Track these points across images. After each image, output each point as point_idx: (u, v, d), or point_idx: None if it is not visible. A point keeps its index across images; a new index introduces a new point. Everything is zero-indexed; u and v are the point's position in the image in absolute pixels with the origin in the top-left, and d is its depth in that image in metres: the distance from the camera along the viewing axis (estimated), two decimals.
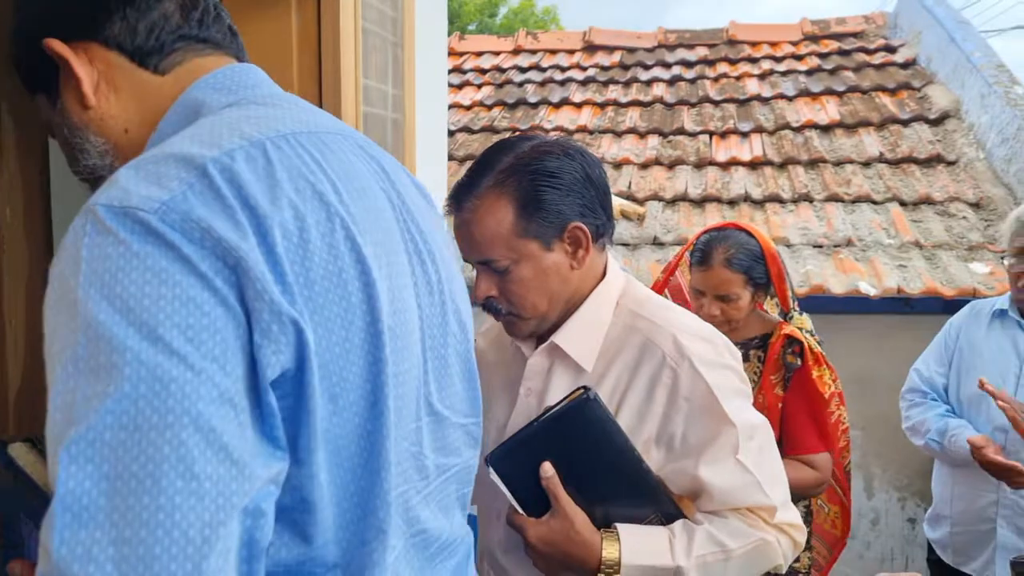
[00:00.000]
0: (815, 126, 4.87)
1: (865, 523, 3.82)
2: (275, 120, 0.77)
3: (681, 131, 5.01)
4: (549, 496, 1.17)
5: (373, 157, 0.86)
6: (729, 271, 1.94)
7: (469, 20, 15.21)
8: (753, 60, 5.77)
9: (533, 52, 6.21)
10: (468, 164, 1.27)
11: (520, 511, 1.20)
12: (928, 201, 4.17)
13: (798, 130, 4.87)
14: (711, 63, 5.82)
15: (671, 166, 4.76)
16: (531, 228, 1.18)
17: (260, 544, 0.65)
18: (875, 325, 3.69)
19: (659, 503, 1.20)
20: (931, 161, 4.47)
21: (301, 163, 0.73)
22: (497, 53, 6.26)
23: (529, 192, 1.17)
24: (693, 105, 5.30)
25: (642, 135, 5.04)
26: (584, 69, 5.86)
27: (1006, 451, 2.25)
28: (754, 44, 5.94)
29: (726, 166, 4.67)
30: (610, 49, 6.11)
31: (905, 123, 4.79)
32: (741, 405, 1.22)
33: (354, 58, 1.56)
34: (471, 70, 6.00)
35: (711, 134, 4.97)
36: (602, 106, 5.40)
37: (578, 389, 1.18)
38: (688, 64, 5.83)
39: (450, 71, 5.70)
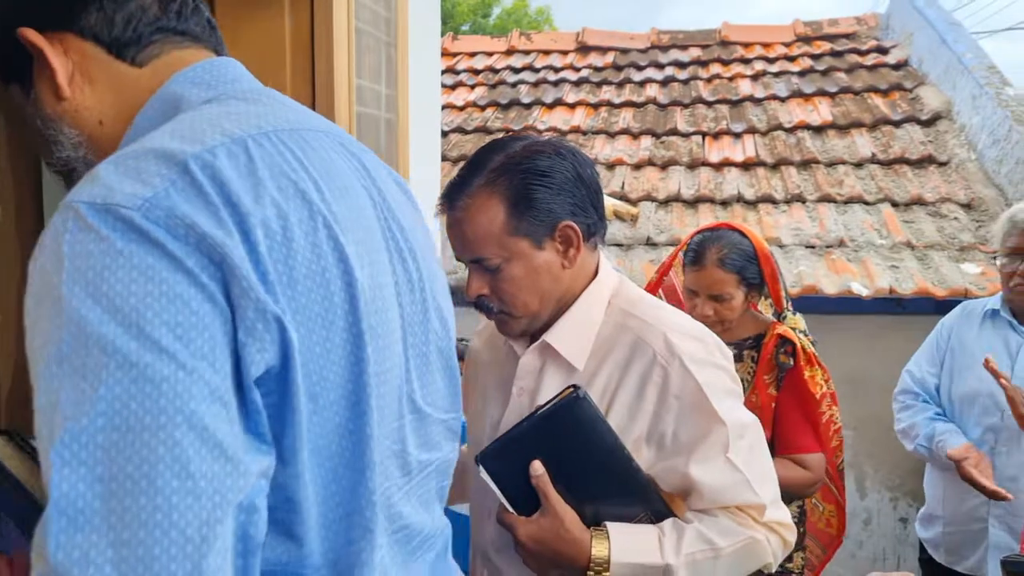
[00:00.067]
0: (807, 127, 4.89)
1: (857, 523, 3.83)
2: (256, 117, 0.76)
3: (674, 132, 5.02)
4: (539, 494, 1.17)
5: (354, 154, 0.85)
6: (722, 271, 1.94)
7: (462, 20, 15.21)
8: (746, 61, 5.79)
9: (526, 53, 6.22)
10: (461, 164, 1.27)
11: (510, 510, 1.20)
12: (920, 202, 4.19)
13: (791, 131, 4.89)
14: (704, 64, 5.84)
15: (664, 167, 4.77)
16: (522, 226, 1.18)
17: (255, 539, 0.65)
18: (867, 325, 3.70)
19: (649, 502, 1.20)
20: (923, 162, 4.49)
21: (283, 161, 0.73)
22: (490, 54, 6.26)
23: (520, 191, 1.18)
24: (686, 106, 5.32)
25: (635, 136, 5.05)
26: (577, 70, 5.87)
27: (996, 450, 2.26)
28: (747, 45, 5.96)
29: (719, 167, 4.68)
30: (603, 50, 6.12)
31: (897, 124, 4.81)
32: (731, 404, 1.22)
33: (347, 58, 1.56)
34: (464, 70, 6.00)
35: (704, 135, 4.98)
36: (595, 107, 5.41)
37: (568, 388, 1.18)
38: (681, 65, 5.84)
39: (443, 71, 5.70)
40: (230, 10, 1.50)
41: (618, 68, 5.85)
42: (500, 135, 4.92)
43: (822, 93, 5.22)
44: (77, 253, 0.61)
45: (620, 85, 5.64)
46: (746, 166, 4.65)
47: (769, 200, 4.33)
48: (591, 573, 1.16)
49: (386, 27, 1.84)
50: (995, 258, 2.39)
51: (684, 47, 6.06)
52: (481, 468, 1.19)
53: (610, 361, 1.24)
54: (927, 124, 4.78)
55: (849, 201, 4.25)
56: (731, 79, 5.55)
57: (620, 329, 1.25)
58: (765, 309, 2.13)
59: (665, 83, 5.62)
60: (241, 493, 0.63)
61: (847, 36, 5.89)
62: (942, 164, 4.48)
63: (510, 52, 6.24)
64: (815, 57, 5.67)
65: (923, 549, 2.56)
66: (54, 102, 0.82)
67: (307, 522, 0.72)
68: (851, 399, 3.17)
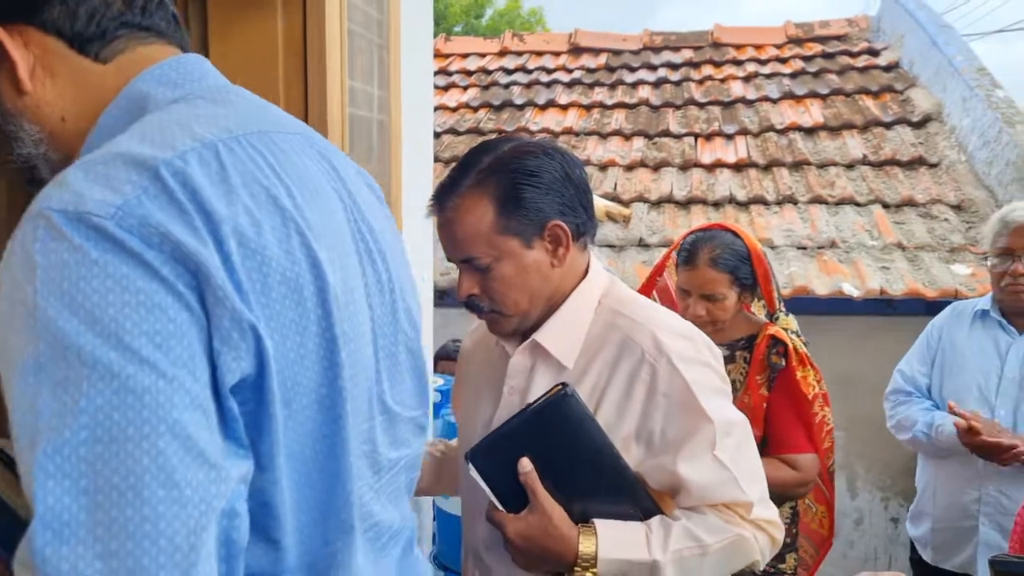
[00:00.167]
0: (799, 128, 4.91)
1: (848, 523, 3.85)
2: (225, 119, 0.75)
3: (666, 133, 5.03)
4: (527, 491, 1.18)
5: (324, 156, 0.85)
6: (715, 271, 1.95)
7: (455, 22, 15.21)
8: (738, 63, 5.81)
9: (519, 54, 6.22)
10: (454, 166, 1.28)
11: (499, 507, 1.21)
12: (911, 203, 4.21)
13: (782, 132, 4.90)
14: (696, 65, 5.85)
15: (656, 168, 4.78)
16: (511, 226, 1.19)
17: (238, 544, 0.66)
18: (858, 326, 3.72)
19: (637, 499, 1.21)
20: (913, 163, 4.52)
21: (255, 166, 0.72)
22: (483, 55, 6.26)
23: (509, 190, 1.19)
24: (678, 107, 5.33)
25: (627, 137, 5.06)
26: (570, 71, 5.88)
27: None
28: (739, 47, 5.98)
29: (711, 168, 4.70)
30: (596, 51, 6.13)
31: (888, 126, 4.83)
32: (720, 402, 1.23)
33: (340, 60, 1.56)
34: (457, 72, 6.00)
35: (696, 136, 5.00)
36: (588, 108, 5.42)
37: (557, 386, 1.19)
38: (673, 66, 5.86)
39: (436, 73, 5.70)
40: (222, 12, 1.50)
41: (610, 69, 5.86)
42: (493, 136, 4.93)
43: (813, 95, 5.24)
44: (51, 263, 0.61)
45: (612, 86, 5.65)
46: (738, 167, 4.67)
47: (761, 201, 4.35)
48: (579, 569, 1.17)
49: (378, 29, 1.84)
50: (986, 258, 2.40)
51: (676, 49, 6.08)
52: (470, 465, 1.19)
53: (599, 360, 1.24)
54: (918, 126, 4.81)
55: (840, 202, 4.27)
56: (723, 81, 5.57)
57: (609, 328, 1.26)
58: (758, 310, 2.14)
59: (657, 84, 5.63)
60: (223, 499, 0.63)
61: (838, 38, 5.92)
62: (933, 166, 4.50)
63: (503, 53, 6.25)
64: (806, 59, 5.70)
65: (914, 549, 2.57)
66: (14, 97, 0.80)
67: (284, 526, 0.72)
68: (842, 399, 3.18)
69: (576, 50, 6.17)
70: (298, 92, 1.51)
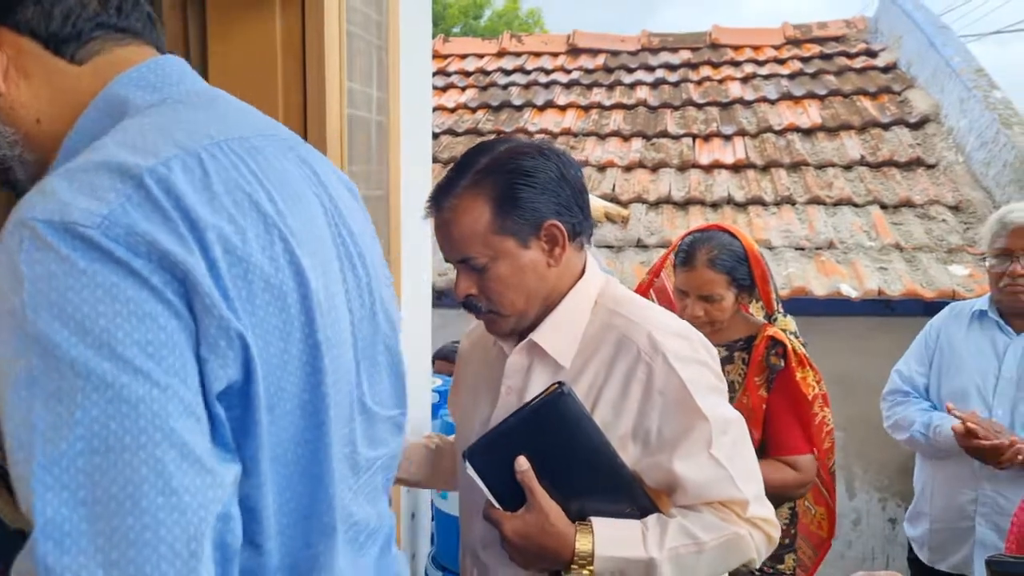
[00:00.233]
0: (797, 129, 4.91)
1: (846, 523, 3.85)
2: (206, 125, 0.75)
3: (664, 134, 5.04)
4: (524, 490, 1.19)
5: (304, 160, 0.85)
6: (712, 271, 1.95)
7: (453, 22, 15.21)
8: (736, 64, 5.81)
9: (517, 55, 6.23)
10: (451, 167, 1.29)
11: (497, 506, 1.22)
12: (908, 204, 4.22)
13: (780, 133, 4.91)
14: (694, 66, 5.86)
15: (654, 169, 4.78)
16: (507, 226, 1.20)
17: (232, 547, 0.67)
18: (856, 326, 3.73)
19: (634, 498, 1.22)
20: (911, 164, 4.52)
21: (237, 173, 0.72)
22: (481, 55, 6.27)
23: (505, 191, 1.20)
24: (676, 108, 5.33)
25: (626, 138, 5.06)
26: (568, 72, 5.88)
27: None
28: (736, 48, 5.99)
29: (709, 169, 4.70)
30: (594, 52, 6.14)
31: (886, 127, 4.84)
32: (715, 401, 1.24)
33: (339, 61, 1.56)
34: (455, 72, 6.00)
35: (694, 137, 5.00)
36: (586, 109, 5.42)
37: (554, 384, 1.20)
38: (671, 67, 5.86)
39: (434, 73, 5.70)
40: (221, 13, 1.50)
41: (608, 70, 5.87)
42: (491, 137, 4.93)
43: (811, 96, 5.25)
44: (38, 274, 0.60)
45: (610, 87, 5.66)
46: (736, 168, 4.67)
47: (759, 202, 4.35)
48: (575, 567, 1.18)
49: (377, 30, 1.84)
50: (985, 258, 2.41)
51: (674, 50, 6.08)
52: (468, 464, 1.20)
53: (596, 359, 1.25)
54: (915, 127, 4.82)
55: (838, 203, 4.28)
56: (721, 82, 5.58)
57: (606, 327, 1.26)
58: (756, 311, 2.14)
59: (655, 85, 5.64)
60: (220, 504, 0.64)
61: (836, 39, 5.92)
62: (930, 167, 4.51)
63: (501, 54, 6.25)
64: (804, 60, 5.71)
65: (911, 549, 2.58)
66: None
67: (267, 530, 0.73)
68: (840, 400, 3.18)
69: (574, 51, 6.18)
70: (297, 93, 1.51)
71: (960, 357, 2.38)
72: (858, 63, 5.53)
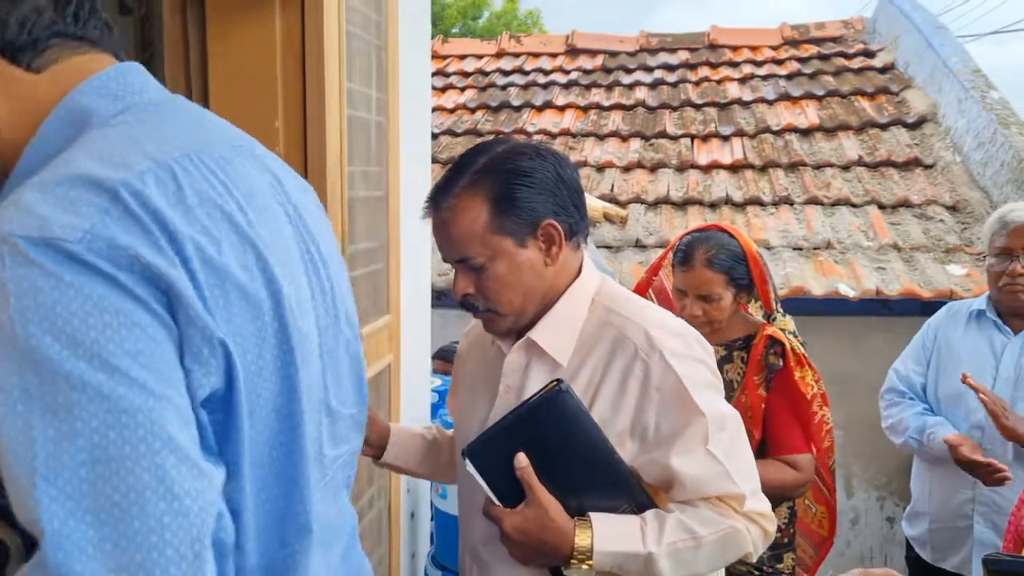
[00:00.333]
0: (795, 130, 4.92)
1: (845, 522, 3.86)
2: (176, 136, 0.75)
3: (663, 134, 5.05)
4: (524, 486, 1.20)
5: (267, 167, 0.85)
6: (710, 271, 1.96)
7: (452, 23, 15.21)
8: (734, 64, 5.82)
9: (516, 55, 6.23)
10: (448, 167, 1.29)
11: (496, 503, 1.22)
12: (906, 204, 4.23)
13: (778, 134, 4.92)
14: (692, 67, 5.87)
15: (653, 169, 4.79)
16: (505, 225, 1.21)
17: (227, 544, 0.69)
18: (854, 326, 3.74)
19: (632, 494, 1.22)
20: (909, 164, 4.53)
21: (209, 186, 0.72)
22: (480, 56, 6.27)
23: (503, 191, 1.21)
24: (675, 109, 5.34)
25: (624, 138, 5.07)
26: (567, 72, 5.89)
27: (983, 447, 2.28)
28: (735, 48, 6.00)
29: (707, 169, 4.71)
30: (592, 53, 6.14)
31: (883, 127, 4.85)
32: (712, 397, 1.24)
33: (338, 62, 1.56)
34: (454, 73, 6.01)
35: (692, 137, 5.01)
36: (585, 109, 5.43)
37: (552, 382, 1.21)
38: (670, 68, 5.87)
39: (433, 74, 5.70)
40: (221, 13, 1.50)
41: (607, 71, 5.87)
42: (490, 137, 4.94)
43: (809, 96, 5.26)
44: (24, 290, 0.61)
45: (609, 88, 5.66)
46: (734, 168, 4.68)
47: (757, 202, 4.36)
48: (574, 562, 1.19)
49: (376, 31, 1.84)
50: (985, 257, 2.41)
51: (673, 50, 6.09)
52: (467, 461, 1.21)
53: (593, 357, 1.26)
54: (913, 127, 4.83)
55: (836, 203, 4.29)
56: (719, 82, 5.59)
57: (603, 326, 1.27)
58: (755, 311, 2.15)
59: (654, 86, 5.65)
60: (216, 505, 0.66)
61: (834, 39, 5.93)
62: (928, 167, 4.52)
63: (500, 55, 6.25)
64: (802, 60, 5.71)
65: (910, 547, 2.59)
66: None
67: (247, 531, 0.75)
68: (838, 399, 3.19)
69: (573, 51, 6.18)
70: (296, 94, 1.52)
71: (958, 357, 2.39)
72: (856, 63, 5.54)
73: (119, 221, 0.64)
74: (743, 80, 5.58)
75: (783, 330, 2.02)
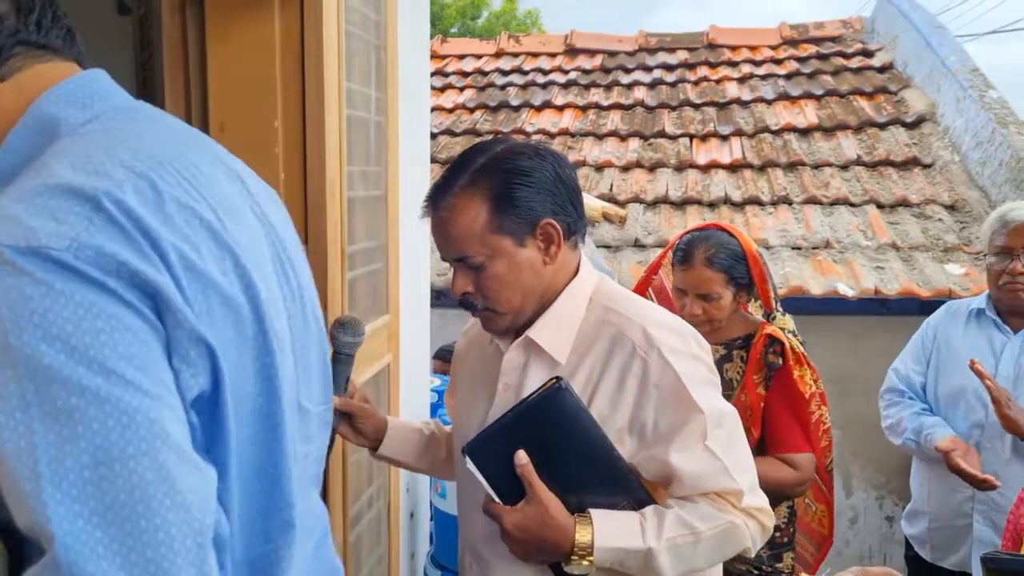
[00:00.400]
0: (794, 129, 4.93)
1: (844, 521, 3.86)
2: (152, 145, 0.76)
3: (662, 134, 5.05)
4: (524, 483, 1.20)
5: (234, 171, 0.86)
6: (710, 270, 1.96)
7: (451, 23, 15.22)
8: (733, 64, 5.83)
9: (515, 55, 6.24)
10: (447, 167, 1.30)
11: (497, 500, 1.23)
12: (905, 203, 4.23)
13: (777, 133, 4.92)
14: (691, 67, 5.87)
15: (652, 169, 4.79)
16: (504, 225, 1.22)
17: (223, 536, 0.71)
18: (852, 325, 3.74)
19: (631, 490, 1.23)
20: (907, 164, 4.54)
21: (184, 193, 0.73)
22: (479, 56, 6.28)
23: (502, 190, 1.22)
24: (674, 108, 5.35)
25: (623, 138, 5.08)
26: (566, 72, 5.89)
27: (981, 446, 2.28)
28: (734, 48, 6.00)
29: (706, 169, 4.71)
30: (591, 52, 6.14)
31: (882, 126, 4.85)
32: (710, 393, 1.25)
33: (337, 61, 1.56)
34: (453, 73, 6.01)
35: (691, 137, 5.01)
36: (584, 109, 5.44)
37: (551, 380, 1.21)
38: (669, 68, 5.88)
39: (432, 74, 5.70)
40: (220, 13, 1.50)
41: (606, 71, 5.88)
42: (489, 137, 4.94)
43: (808, 96, 5.26)
44: (14, 299, 0.61)
45: (608, 88, 5.67)
46: (733, 168, 4.68)
47: (756, 202, 4.37)
48: (575, 558, 1.19)
49: (376, 30, 1.84)
50: (984, 256, 2.41)
51: (672, 50, 6.10)
52: (467, 459, 1.22)
53: (591, 355, 1.27)
54: (912, 126, 4.83)
55: (835, 203, 4.29)
56: (718, 82, 5.59)
57: (601, 324, 1.28)
58: (755, 310, 2.15)
59: (653, 86, 5.65)
60: (214, 499, 0.68)
61: (833, 39, 5.94)
62: (926, 166, 4.52)
63: (499, 54, 6.26)
64: (801, 60, 5.72)
65: (909, 546, 2.59)
66: None
67: (233, 527, 0.76)
68: (836, 398, 3.20)
69: (572, 51, 6.19)
70: (295, 93, 1.52)
71: (957, 356, 2.39)
72: (854, 63, 5.55)
73: (103, 229, 0.65)
74: (742, 80, 5.58)
75: (783, 329, 2.02)
